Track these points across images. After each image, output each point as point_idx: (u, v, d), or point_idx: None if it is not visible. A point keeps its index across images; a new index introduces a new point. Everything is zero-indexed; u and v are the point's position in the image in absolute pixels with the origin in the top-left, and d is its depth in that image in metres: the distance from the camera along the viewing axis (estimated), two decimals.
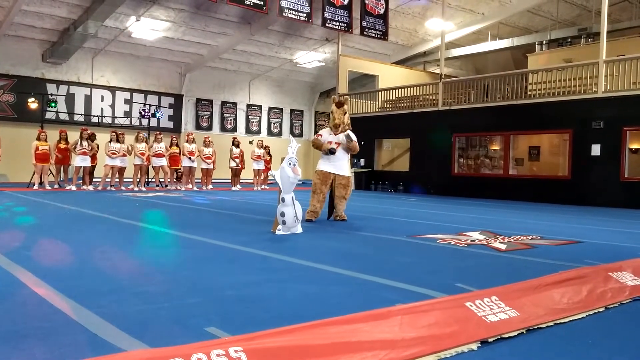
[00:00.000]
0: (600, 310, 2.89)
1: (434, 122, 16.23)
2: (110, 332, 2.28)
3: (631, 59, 12.44)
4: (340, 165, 7.17)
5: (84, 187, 13.59)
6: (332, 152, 7.06)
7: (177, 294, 3.00)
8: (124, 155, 13.96)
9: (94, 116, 20.16)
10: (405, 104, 17.94)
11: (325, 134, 7.29)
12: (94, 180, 14.26)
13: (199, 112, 23.49)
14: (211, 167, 15.47)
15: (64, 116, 19.54)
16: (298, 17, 15.52)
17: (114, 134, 14.00)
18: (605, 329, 2.61)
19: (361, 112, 18.82)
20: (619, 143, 12.28)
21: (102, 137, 15.06)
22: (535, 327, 2.52)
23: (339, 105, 7.28)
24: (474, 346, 2.25)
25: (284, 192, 5.59)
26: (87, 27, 16.76)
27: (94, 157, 13.95)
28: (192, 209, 8.97)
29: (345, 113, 7.28)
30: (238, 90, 24.51)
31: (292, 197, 5.61)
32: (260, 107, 25.29)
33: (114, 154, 13.65)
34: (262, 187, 16.55)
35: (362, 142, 18.50)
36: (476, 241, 5.50)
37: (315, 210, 7.05)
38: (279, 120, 26.04)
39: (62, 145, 13.58)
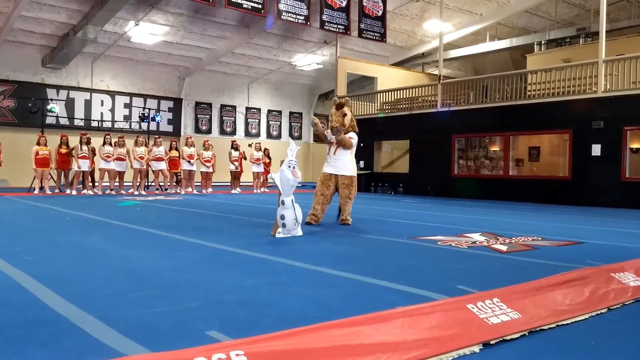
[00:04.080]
0: (603, 311, 2.89)
1: (433, 123, 16.24)
2: (112, 337, 2.28)
3: (630, 58, 12.44)
4: (342, 165, 7.06)
5: (84, 191, 13.60)
6: (337, 131, 6.85)
7: (178, 298, 2.99)
8: (121, 159, 13.92)
9: (93, 120, 20.20)
10: (404, 106, 17.95)
11: (328, 135, 7.21)
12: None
13: (198, 116, 23.50)
14: (211, 170, 15.47)
15: (64, 121, 19.55)
16: (296, 20, 15.54)
17: (108, 136, 13.98)
18: (608, 330, 2.61)
19: (360, 114, 18.81)
20: (619, 143, 12.27)
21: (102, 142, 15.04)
22: (538, 329, 2.52)
23: (339, 107, 7.15)
24: (476, 348, 2.24)
25: (283, 194, 5.58)
26: (86, 32, 16.78)
27: (91, 161, 13.96)
28: (192, 213, 8.96)
29: (346, 115, 7.05)
30: (237, 94, 24.53)
31: (292, 200, 5.61)
32: (259, 110, 25.31)
33: (108, 156, 13.62)
34: (262, 189, 16.55)
35: (362, 144, 18.66)
36: (477, 243, 5.49)
37: (316, 214, 6.95)
38: (278, 123, 26.05)
39: (63, 150, 13.58)
